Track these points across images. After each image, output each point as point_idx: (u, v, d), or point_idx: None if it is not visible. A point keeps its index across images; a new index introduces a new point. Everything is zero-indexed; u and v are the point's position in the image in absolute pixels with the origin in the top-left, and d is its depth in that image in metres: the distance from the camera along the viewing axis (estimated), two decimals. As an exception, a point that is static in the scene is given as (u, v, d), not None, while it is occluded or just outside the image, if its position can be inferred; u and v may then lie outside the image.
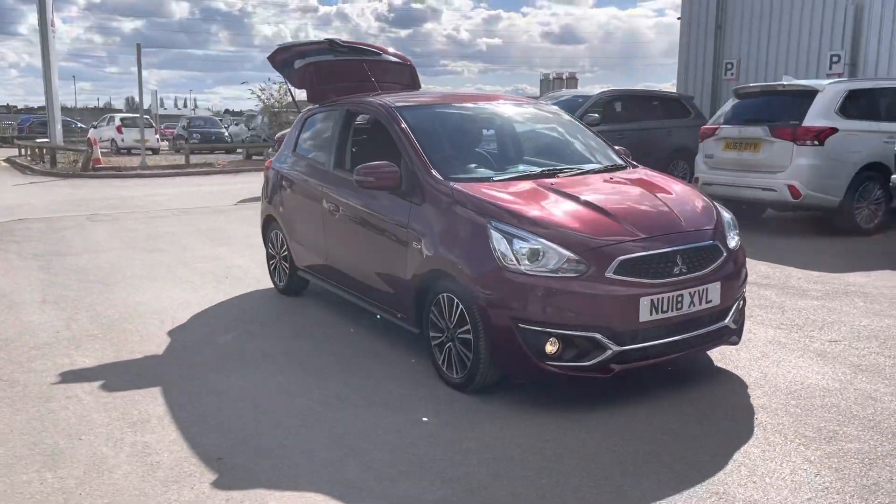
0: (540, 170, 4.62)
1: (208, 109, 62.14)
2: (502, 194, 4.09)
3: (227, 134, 31.96)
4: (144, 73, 23.41)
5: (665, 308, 3.73)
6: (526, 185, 4.28)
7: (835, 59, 13.76)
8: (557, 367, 3.67)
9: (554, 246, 3.68)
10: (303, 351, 4.83)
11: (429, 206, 4.22)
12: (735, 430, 3.53)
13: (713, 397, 3.95)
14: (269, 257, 6.45)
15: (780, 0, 14.58)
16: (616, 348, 3.66)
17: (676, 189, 4.47)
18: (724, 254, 4.04)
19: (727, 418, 3.68)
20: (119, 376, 4.42)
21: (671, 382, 4.11)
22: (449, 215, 4.09)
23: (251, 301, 6.18)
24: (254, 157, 25.51)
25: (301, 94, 6.77)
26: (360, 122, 5.69)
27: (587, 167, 4.73)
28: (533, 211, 3.91)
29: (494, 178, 4.37)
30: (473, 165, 4.60)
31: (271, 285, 6.53)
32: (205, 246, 8.62)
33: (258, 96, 22.71)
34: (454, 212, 4.06)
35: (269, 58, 6.37)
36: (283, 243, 6.13)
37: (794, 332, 4.99)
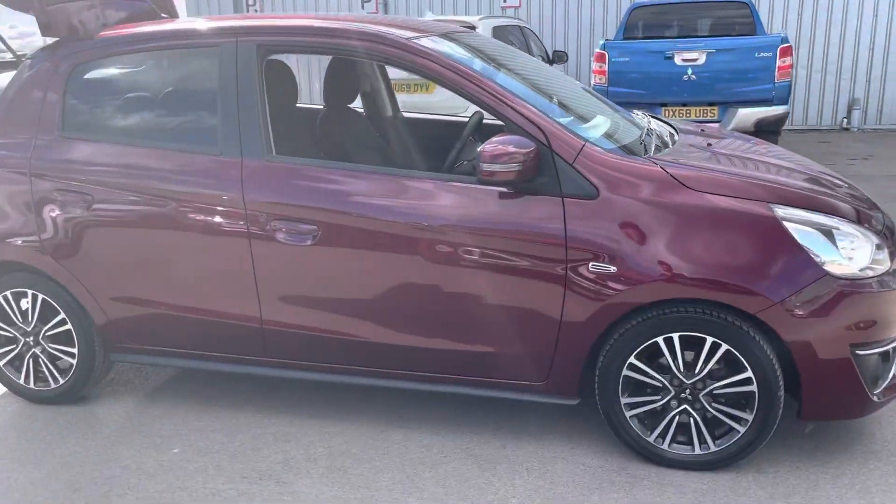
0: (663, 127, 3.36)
1: None
2: (714, 167, 2.80)
3: None
4: None
5: None
6: (704, 154, 3.01)
7: (366, -2, 13.86)
8: (883, 394, 2.70)
9: (863, 231, 2.63)
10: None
11: (617, 200, 2.57)
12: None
13: None
14: (7, 343, 3.28)
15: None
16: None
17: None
18: None
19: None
20: None
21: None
22: (674, 211, 2.55)
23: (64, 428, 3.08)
24: None
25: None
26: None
27: (669, 122, 3.62)
28: (802, 186, 2.75)
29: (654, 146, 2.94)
30: (593, 129, 2.98)
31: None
32: None
33: None
34: (684, 204, 2.55)
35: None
36: (48, 313, 3.17)
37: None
